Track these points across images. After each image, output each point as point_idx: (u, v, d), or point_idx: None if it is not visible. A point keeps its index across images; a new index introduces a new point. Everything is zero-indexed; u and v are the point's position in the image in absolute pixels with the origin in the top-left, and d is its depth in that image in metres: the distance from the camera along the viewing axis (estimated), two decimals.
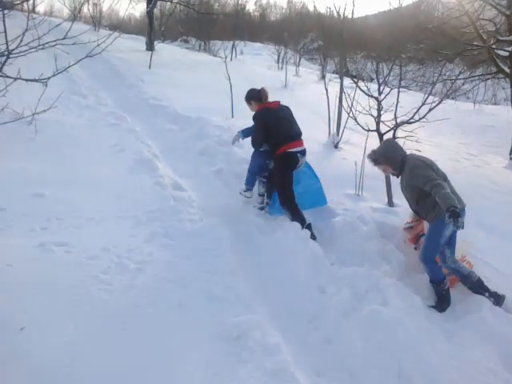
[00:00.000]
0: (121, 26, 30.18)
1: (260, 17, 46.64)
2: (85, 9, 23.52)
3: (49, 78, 3.33)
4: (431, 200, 3.65)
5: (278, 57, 21.91)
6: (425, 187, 3.63)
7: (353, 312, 3.31)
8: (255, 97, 4.80)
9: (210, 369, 2.58)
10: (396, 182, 5.29)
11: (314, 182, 4.92)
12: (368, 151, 5.55)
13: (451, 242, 3.75)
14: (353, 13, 8.24)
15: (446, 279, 3.73)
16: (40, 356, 2.44)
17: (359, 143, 6.65)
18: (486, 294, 3.68)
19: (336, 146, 7.52)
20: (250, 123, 4.94)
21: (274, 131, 4.54)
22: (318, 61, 21.07)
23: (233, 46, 19.81)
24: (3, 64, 3.20)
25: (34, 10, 25.52)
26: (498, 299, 3.68)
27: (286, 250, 4.01)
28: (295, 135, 4.63)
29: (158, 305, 3.04)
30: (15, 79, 3.11)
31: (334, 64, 10.84)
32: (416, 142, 5.24)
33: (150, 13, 17.43)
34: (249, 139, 4.93)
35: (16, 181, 4.50)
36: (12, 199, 4.12)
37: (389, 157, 3.93)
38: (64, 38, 3.21)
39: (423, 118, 5.02)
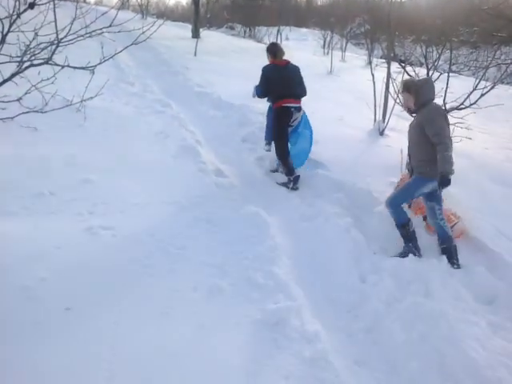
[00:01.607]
0: (167, 14, 30.60)
1: (306, 1, 45.83)
2: None
3: (95, 66, 3.42)
4: (429, 153, 3.69)
5: (324, 42, 21.53)
6: (433, 138, 3.60)
7: (394, 302, 3.24)
8: (271, 50, 5.32)
9: (248, 354, 2.60)
10: None
11: (307, 148, 5.40)
12: None
13: (438, 198, 3.87)
14: None
15: (410, 221, 3.90)
16: (83, 337, 2.54)
17: (405, 130, 6.44)
18: (455, 261, 3.80)
19: (381, 133, 7.33)
20: None
21: (273, 86, 5.12)
22: (365, 46, 20.53)
23: (278, 31, 19.60)
24: (53, 52, 3.31)
25: (84, 0, 26.27)
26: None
27: (327, 237, 3.99)
28: (291, 94, 5.13)
29: (198, 290, 3.09)
30: (62, 67, 3.21)
31: (381, 49, 10.49)
32: (466, 129, 5.03)
33: (195, 0, 17.52)
34: None
35: (65, 166, 4.66)
36: (61, 184, 4.28)
37: (421, 92, 3.83)
38: (110, 26, 3.28)
39: (474, 103, 4.81)
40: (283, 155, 5.15)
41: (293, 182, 5.01)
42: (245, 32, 25.77)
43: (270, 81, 5.12)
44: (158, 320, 2.78)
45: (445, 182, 3.52)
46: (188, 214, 4.09)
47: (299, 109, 5.24)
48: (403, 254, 3.85)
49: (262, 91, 5.25)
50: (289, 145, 5.29)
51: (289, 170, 5.09)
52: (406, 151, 5.21)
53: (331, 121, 7.51)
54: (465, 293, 3.37)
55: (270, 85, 5.14)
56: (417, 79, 4.07)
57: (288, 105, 5.10)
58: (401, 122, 7.52)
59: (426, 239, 4.14)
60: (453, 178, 4.32)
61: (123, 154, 5.26)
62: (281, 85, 5.09)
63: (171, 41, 15.07)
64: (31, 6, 2.95)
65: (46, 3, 3.15)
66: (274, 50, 5.29)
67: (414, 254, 3.83)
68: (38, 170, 4.54)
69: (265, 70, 5.22)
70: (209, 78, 10.11)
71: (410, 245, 3.92)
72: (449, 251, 3.87)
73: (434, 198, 3.89)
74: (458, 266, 3.81)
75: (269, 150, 5.48)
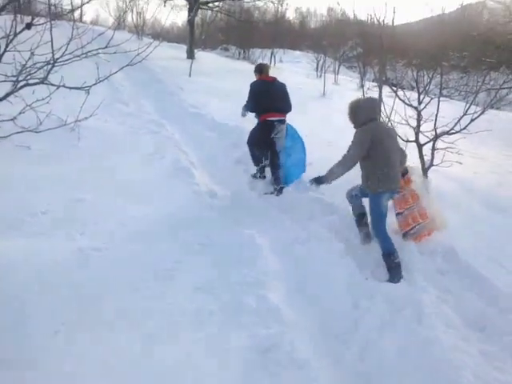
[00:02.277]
0: (163, 35, 30.93)
1: (300, 24, 46.58)
2: (129, 18, 24.16)
3: (90, 87, 3.43)
4: (365, 168, 3.99)
5: (317, 65, 21.81)
6: None
7: (387, 328, 3.22)
8: (258, 68, 5.76)
9: (238, 381, 2.56)
10: (435, 195, 5.17)
11: (303, 157, 5.66)
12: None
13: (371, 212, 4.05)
14: (393, 20, 8.08)
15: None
16: (72, 361, 2.50)
17: None
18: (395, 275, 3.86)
19: None
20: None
21: (260, 100, 5.45)
22: (358, 69, 20.81)
23: (271, 53, 19.87)
24: (48, 72, 3.32)
25: (81, 20, 26.55)
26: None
27: (320, 261, 3.96)
28: (276, 108, 5.42)
29: (187, 314, 3.06)
30: (58, 87, 3.21)
31: (373, 72, 10.65)
32: (457, 154, 5.08)
33: (190, 21, 17.76)
34: None
35: (58, 186, 4.65)
36: (53, 203, 4.27)
37: (359, 112, 4.05)
38: (106, 47, 3.30)
39: (464, 129, 4.87)
40: (257, 159, 5.65)
41: (260, 171, 5.64)
42: (239, 54, 26.07)
43: (257, 95, 5.48)
44: (146, 345, 2.75)
45: (317, 181, 4.12)
46: (179, 236, 4.07)
47: (283, 121, 5.52)
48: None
49: (250, 106, 5.63)
50: (282, 158, 5.60)
51: (260, 170, 5.67)
52: None
53: (324, 143, 7.55)
54: (456, 319, 3.36)
55: (257, 98, 5.49)
56: (356, 100, 4.20)
57: (271, 119, 5.42)
58: None
59: (418, 262, 4.14)
60: (444, 202, 4.39)
61: (116, 174, 5.25)
62: (266, 99, 5.42)
63: (166, 61, 15.20)
64: (28, 26, 2.97)
65: (42, 24, 3.17)
66: (261, 68, 5.74)
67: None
68: (30, 189, 4.53)
69: (253, 84, 5.59)
70: (203, 98, 10.19)
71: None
72: (388, 265, 3.92)
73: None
74: (398, 280, 3.82)
75: (261, 177, 5.78)
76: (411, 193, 4.33)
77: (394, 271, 3.89)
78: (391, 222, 4.32)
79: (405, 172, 4.34)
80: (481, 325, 3.46)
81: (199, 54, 18.96)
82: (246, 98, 5.67)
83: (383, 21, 7.82)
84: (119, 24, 24.94)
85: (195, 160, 6.41)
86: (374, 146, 3.86)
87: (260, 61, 21.43)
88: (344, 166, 4.01)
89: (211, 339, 2.89)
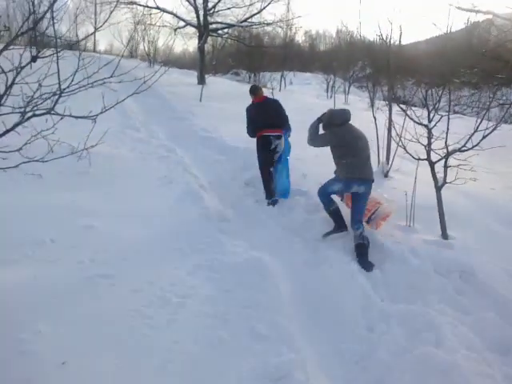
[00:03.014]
0: (175, 62, 31.51)
1: (309, 47, 47.07)
2: (141, 46, 24.68)
3: (97, 115, 3.44)
4: (335, 158, 4.73)
5: (327, 86, 21.93)
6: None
7: (404, 353, 3.10)
8: (251, 91, 6.24)
9: None
10: (450, 212, 5.07)
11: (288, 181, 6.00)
12: (419, 181, 5.39)
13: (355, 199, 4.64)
14: (400, 39, 8.10)
15: (332, 202, 4.78)
16: None
17: (411, 171, 6.40)
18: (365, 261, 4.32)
19: (386, 175, 7.31)
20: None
21: (255, 121, 5.90)
22: (368, 88, 20.90)
23: (281, 76, 20.04)
24: (55, 103, 3.34)
25: (94, 50, 27.21)
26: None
27: (333, 284, 3.88)
28: (269, 124, 5.80)
29: (198, 341, 2.99)
30: (62, 116, 3.23)
31: (381, 92, 10.64)
32: (470, 171, 4.97)
33: (201, 48, 18.04)
34: None
35: (68, 213, 4.66)
36: (63, 231, 4.26)
37: (329, 117, 4.83)
38: (111, 76, 3.32)
39: (476, 145, 4.77)
40: (266, 180, 5.85)
41: (271, 203, 5.69)
42: (249, 77, 26.36)
43: (252, 117, 5.96)
44: (157, 375, 2.67)
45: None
46: (189, 261, 4.02)
47: (279, 137, 5.83)
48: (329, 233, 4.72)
49: (249, 129, 6.04)
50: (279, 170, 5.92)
51: (268, 193, 5.81)
52: (410, 192, 5.19)
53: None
54: (477, 342, 3.22)
55: (252, 120, 5.95)
56: (336, 109, 5.04)
57: (266, 134, 5.79)
58: (405, 164, 7.52)
59: (434, 282, 4.02)
60: (459, 219, 4.29)
61: (126, 200, 5.26)
62: (259, 117, 5.86)
63: (177, 87, 15.42)
64: (34, 59, 3.01)
65: (49, 56, 3.21)
66: (253, 90, 6.24)
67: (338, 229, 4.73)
68: (40, 217, 4.54)
69: (247, 109, 6.11)
70: (213, 122, 10.24)
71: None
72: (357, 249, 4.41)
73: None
74: (370, 268, 4.19)
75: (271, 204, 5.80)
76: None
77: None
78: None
79: None
80: (504, 347, 3.31)
81: (210, 79, 19.23)
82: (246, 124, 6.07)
83: (390, 40, 7.84)
84: (131, 53, 25.57)
85: (205, 183, 6.40)
86: (338, 144, 4.68)
87: (269, 84, 21.67)
88: (311, 139, 4.92)
89: (222, 368, 2.81)
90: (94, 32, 3.55)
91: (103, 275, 3.57)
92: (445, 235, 4.96)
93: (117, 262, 3.88)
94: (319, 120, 4.97)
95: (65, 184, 5.41)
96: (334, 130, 4.75)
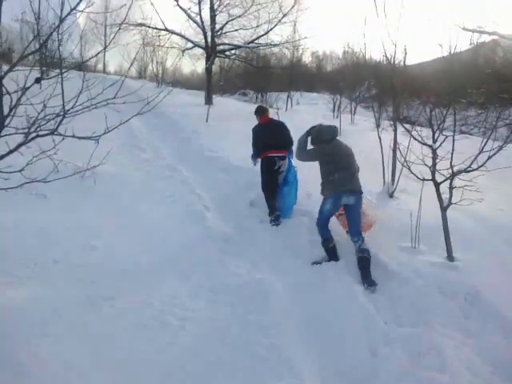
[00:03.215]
0: (183, 82, 31.90)
1: (316, 68, 47.46)
2: (149, 67, 25.04)
3: (100, 136, 3.47)
4: (324, 175, 4.81)
5: (334, 106, 22.02)
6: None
7: (407, 378, 3.03)
8: (257, 112, 6.42)
9: None
10: (456, 233, 5.00)
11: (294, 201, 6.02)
12: (424, 201, 5.35)
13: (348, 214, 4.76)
14: (405, 60, 8.13)
15: (331, 238, 4.73)
16: None
17: (416, 192, 6.36)
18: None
19: (391, 195, 7.26)
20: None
21: (259, 142, 6.08)
22: (374, 108, 20.98)
23: (288, 96, 20.17)
24: (59, 124, 3.38)
25: (104, 71, 27.62)
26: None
27: (335, 306, 3.82)
28: (274, 145, 5.95)
29: (197, 363, 2.95)
30: (63, 137, 3.26)
31: (385, 112, 10.68)
32: (476, 192, 4.93)
33: (208, 68, 18.25)
34: None
35: (71, 233, 4.68)
36: (66, 251, 4.28)
37: (317, 133, 5.02)
38: (114, 97, 3.36)
39: (482, 166, 4.73)
40: (268, 198, 5.94)
41: (274, 220, 5.71)
42: (256, 98, 26.58)
43: (257, 138, 6.13)
44: None
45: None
46: (191, 282, 4.00)
47: (283, 158, 5.98)
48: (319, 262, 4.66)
49: (254, 151, 6.22)
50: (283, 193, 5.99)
51: (271, 209, 5.87)
52: (416, 213, 5.15)
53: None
54: (483, 367, 3.16)
55: (257, 141, 6.12)
56: (324, 126, 5.16)
57: (271, 155, 5.92)
58: (410, 184, 7.47)
59: (439, 305, 3.95)
60: (465, 241, 4.25)
61: (130, 220, 5.27)
62: (265, 138, 6.00)
63: (184, 108, 15.52)
64: (37, 80, 3.05)
65: (53, 77, 3.26)
66: (259, 111, 6.40)
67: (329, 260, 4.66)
68: (44, 236, 4.56)
69: (253, 130, 6.28)
70: (219, 142, 10.28)
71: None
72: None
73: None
74: (373, 286, 4.21)
75: (275, 225, 5.75)
76: None
77: (330, 253, 4.69)
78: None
79: None
80: (510, 372, 3.22)
81: (217, 99, 19.38)
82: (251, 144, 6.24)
83: (394, 61, 7.87)
84: (140, 74, 25.94)
85: (209, 203, 6.39)
86: (326, 160, 4.81)
87: (276, 104, 21.85)
88: (299, 154, 5.07)
89: None
90: (103, 51, 3.61)
91: (103, 296, 3.56)
92: (450, 257, 4.89)
93: (117, 282, 3.87)
94: (308, 133, 5.12)
95: (69, 203, 5.44)
96: (322, 146, 4.92)
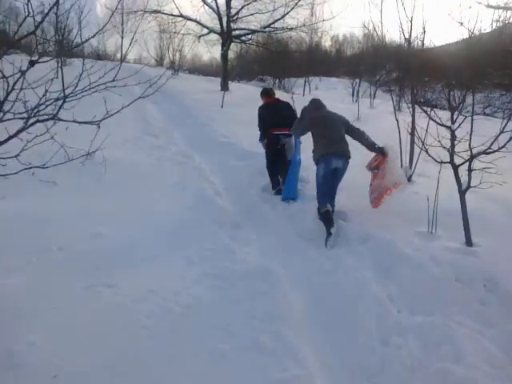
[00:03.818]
0: (201, 69, 31.74)
1: (336, 52, 46.64)
2: (166, 54, 24.94)
3: (100, 121, 3.38)
4: (314, 140, 5.24)
5: (353, 90, 21.62)
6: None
7: (420, 369, 2.89)
8: (263, 92, 6.72)
9: None
10: (475, 217, 4.79)
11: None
12: (442, 184, 5.14)
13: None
14: (423, 42, 7.81)
15: (327, 203, 4.86)
16: None
17: (435, 175, 6.15)
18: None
19: (409, 179, 7.02)
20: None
21: (265, 120, 6.31)
22: (395, 92, 20.50)
23: (305, 81, 19.84)
24: (59, 108, 3.29)
25: (124, 59, 27.64)
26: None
27: (345, 293, 3.68)
28: (279, 123, 6.13)
29: (199, 354, 2.85)
30: (64, 121, 3.18)
31: (404, 96, 10.38)
32: (496, 174, 4.70)
33: (224, 54, 18.06)
34: None
35: (78, 220, 4.63)
36: (71, 238, 4.23)
37: (303, 111, 5.59)
38: (113, 80, 3.26)
39: (503, 147, 4.50)
40: (272, 174, 6.29)
41: (276, 192, 6.12)
42: (274, 83, 26.26)
43: (263, 116, 6.37)
44: None
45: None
46: (196, 269, 3.91)
47: (288, 135, 6.15)
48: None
49: (260, 129, 6.44)
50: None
51: (274, 182, 6.25)
52: (432, 198, 4.95)
53: (356, 167, 7.27)
54: (501, 357, 2.97)
55: (263, 120, 6.35)
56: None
57: (276, 132, 6.15)
58: (428, 167, 7.21)
59: (455, 292, 3.77)
60: (485, 225, 4.04)
61: (138, 206, 5.21)
62: (271, 117, 6.23)
63: (200, 94, 15.41)
64: (32, 63, 2.96)
65: (47, 61, 3.16)
66: (265, 92, 6.71)
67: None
68: (51, 223, 4.52)
69: (259, 109, 6.51)
70: (233, 128, 10.15)
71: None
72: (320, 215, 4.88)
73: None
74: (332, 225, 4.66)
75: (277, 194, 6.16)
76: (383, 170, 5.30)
77: (325, 219, 4.78)
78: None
79: (382, 152, 5.33)
80: None
81: (234, 85, 19.20)
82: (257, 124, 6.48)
83: (410, 42, 7.61)
84: (157, 61, 25.89)
85: (221, 189, 6.31)
86: (313, 126, 5.29)
87: (295, 89, 21.55)
88: (293, 128, 5.65)
89: (224, 382, 2.67)
90: (121, 37, 3.50)
91: (106, 284, 3.50)
92: (469, 242, 4.68)
93: (122, 270, 3.80)
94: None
95: (79, 190, 5.41)
96: (310, 116, 5.41)
